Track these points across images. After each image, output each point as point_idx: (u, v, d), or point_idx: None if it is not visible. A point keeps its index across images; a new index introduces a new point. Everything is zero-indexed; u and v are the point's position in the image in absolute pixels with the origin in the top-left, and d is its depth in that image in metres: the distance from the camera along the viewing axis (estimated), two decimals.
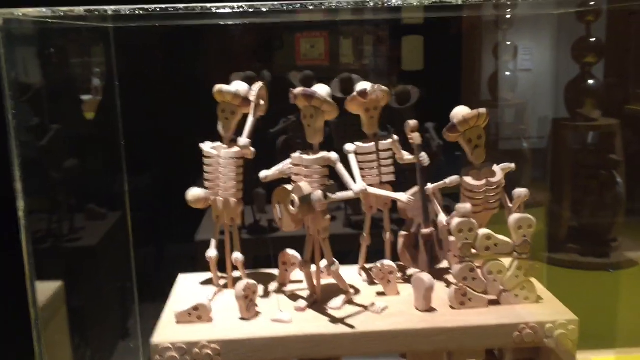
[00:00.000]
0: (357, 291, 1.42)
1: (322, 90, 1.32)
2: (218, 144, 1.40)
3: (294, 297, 1.40)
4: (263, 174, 1.36)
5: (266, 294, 1.43)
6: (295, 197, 1.25)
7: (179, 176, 1.78)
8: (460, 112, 1.38)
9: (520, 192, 1.33)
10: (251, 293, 1.30)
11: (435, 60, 2.38)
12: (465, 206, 1.31)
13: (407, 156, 1.46)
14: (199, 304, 1.28)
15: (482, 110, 1.37)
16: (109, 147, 1.84)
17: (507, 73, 3.07)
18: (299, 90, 1.30)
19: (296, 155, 1.34)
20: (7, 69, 1.27)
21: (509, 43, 3.02)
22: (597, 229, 2.99)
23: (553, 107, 3.14)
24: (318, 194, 1.23)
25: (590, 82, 2.98)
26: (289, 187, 1.29)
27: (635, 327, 2.19)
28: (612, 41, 2.90)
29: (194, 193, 1.39)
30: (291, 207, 1.27)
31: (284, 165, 1.36)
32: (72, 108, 1.92)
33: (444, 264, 1.49)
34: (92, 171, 1.94)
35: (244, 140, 1.34)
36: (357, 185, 1.29)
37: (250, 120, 1.35)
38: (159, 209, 2.00)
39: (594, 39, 2.88)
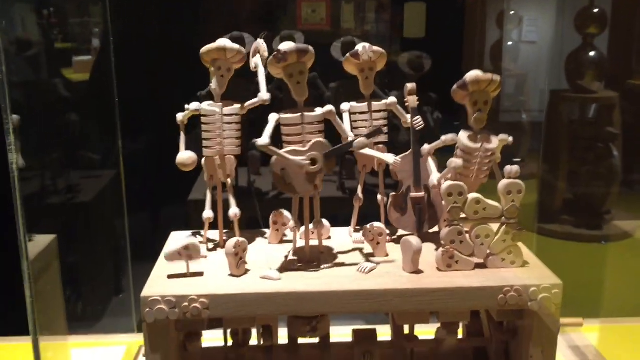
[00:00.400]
0: (346, 252, 1.44)
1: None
2: (211, 102, 1.40)
3: (283, 256, 1.42)
4: (263, 141, 1.26)
5: (257, 252, 1.45)
6: (319, 155, 1.26)
7: (173, 136, 1.78)
8: (475, 72, 1.38)
9: (512, 168, 1.32)
10: (241, 251, 1.31)
11: (437, 28, 2.36)
12: (456, 161, 1.32)
13: (410, 119, 1.47)
14: (190, 243, 1.30)
15: (497, 76, 1.37)
16: (104, 106, 1.84)
17: (510, 43, 3.05)
18: (291, 46, 1.29)
19: (287, 116, 1.33)
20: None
21: (512, 12, 2.99)
22: (591, 201, 3.01)
23: (554, 79, 3.13)
24: (362, 140, 1.27)
25: (592, 53, 2.96)
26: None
27: (624, 298, 2.22)
28: (618, 13, 2.87)
29: (183, 156, 1.39)
30: (311, 167, 1.27)
31: (272, 128, 1.34)
32: (66, 65, 1.92)
33: (435, 229, 1.50)
34: (87, 129, 1.95)
35: (266, 94, 1.35)
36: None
37: (262, 73, 1.37)
38: (153, 168, 2.01)
39: (597, 10, 2.86)
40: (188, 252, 1.30)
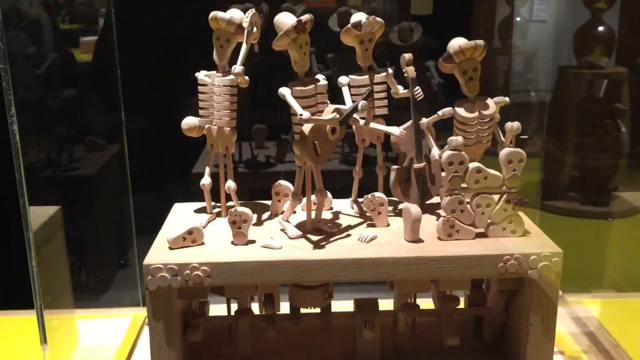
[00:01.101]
0: (348, 223, 1.45)
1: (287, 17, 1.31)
2: (213, 72, 1.40)
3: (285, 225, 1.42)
4: (306, 114, 1.23)
5: (259, 222, 1.45)
6: (337, 122, 1.26)
7: (177, 109, 1.78)
8: (457, 42, 1.36)
9: (512, 125, 1.32)
10: (241, 220, 1.32)
11: (445, 5, 2.33)
12: (457, 139, 1.31)
13: (401, 90, 1.46)
14: (193, 227, 1.31)
15: (480, 41, 1.35)
16: (107, 79, 1.84)
17: (518, 19, 3.01)
18: (307, 17, 1.28)
19: (303, 87, 1.31)
20: None
21: None
22: (598, 178, 2.99)
23: (564, 55, 3.09)
24: (363, 102, 1.28)
25: (600, 28, 2.92)
26: (323, 117, 1.28)
27: (629, 273, 2.21)
28: None
29: (187, 121, 1.40)
30: (332, 135, 1.28)
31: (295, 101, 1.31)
32: (69, 39, 1.92)
33: (436, 199, 1.50)
34: (90, 102, 1.95)
35: (238, 67, 1.34)
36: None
37: (243, 48, 1.35)
38: (157, 141, 2.01)
39: None
40: (192, 237, 1.31)
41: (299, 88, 1.30)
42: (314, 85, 1.32)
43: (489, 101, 1.39)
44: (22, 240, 1.37)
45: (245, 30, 1.34)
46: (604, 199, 2.89)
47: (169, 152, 1.97)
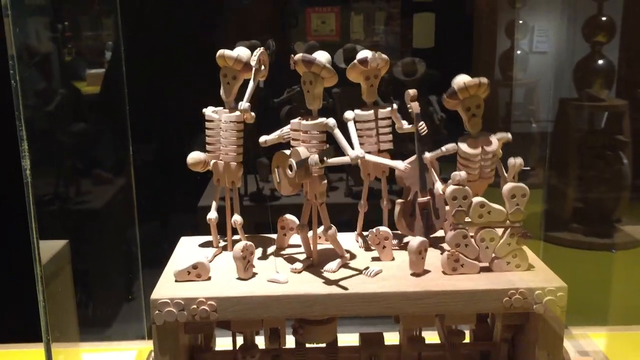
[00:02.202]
0: (352, 256, 1.45)
1: (321, 56, 1.34)
2: (220, 108, 1.43)
3: (291, 259, 1.44)
4: (262, 138, 1.40)
5: (264, 256, 1.47)
6: (293, 162, 1.28)
7: (183, 143, 1.81)
8: (461, 79, 1.39)
9: (515, 161, 1.34)
10: (249, 254, 1.33)
11: (447, 38, 2.38)
12: (460, 174, 1.33)
13: (406, 125, 1.48)
14: (198, 262, 1.32)
15: (484, 79, 1.37)
16: (115, 114, 1.88)
17: (519, 52, 3.05)
18: (299, 56, 1.32)
19: (295, 120, 1.37)
20: (13, 31, 1.30)
21: (521, 22, 3.00)
22: (602, 209, 3.00)
23: (564, 87, 3.13)
24: (314, 157, 1.25)
25: (600, 61, 2.96)
26: (287, 152, 1.32)
27: (635, 306, 2.21)
28: (628, 20, 2.87)
29: (193, 155, 1.42)
30: (289, 171, 1.29)
31: (283, 131, 1.39)
32: (78, 74, 1.96)
33: (440, 233, 1.51)
34: (98, 136, 1.98)
35: (244, 104, 1.37)
36: (354, 151, 1.29)
37: (250, 85, 1.38)
38: (164, 175, 2.04)
39: (605, 18, 2.87)
40: (197, 271, 1.32)
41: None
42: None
43: (492, 137, 1.41)
44: (29, 273, 1.39)
45: (253, 69, 1.37)
46: (608, 230, 2.90)
47: (176, 185, 1.99)
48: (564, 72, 3.09)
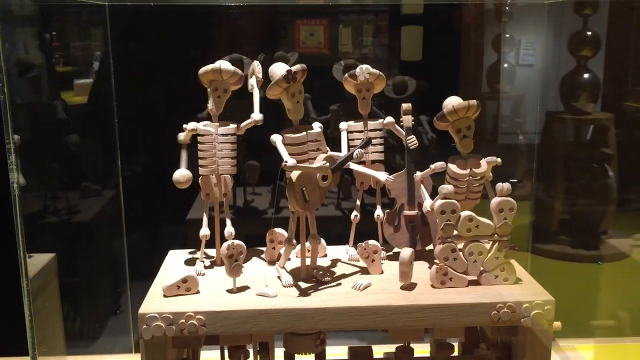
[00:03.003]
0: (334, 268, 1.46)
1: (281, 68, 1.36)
2: (207, 122, 1.43)
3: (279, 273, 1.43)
4: (291, 162, 1.27)
5: (253, 269, 1.46)
6: (328, 170, 1.30)
7: (172, 155, 1.80)
8: (451, 102, 1.41)
9: (503, 185, 1.34)
10: (237, 253, 1.31)
11: (434, 51, 2.40)
12: (447, 187, 1.34)
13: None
14: (188, 275, 1.32)
15: (473, 102, 1.39)
16: (103, 127, 1.87)
17: (506, 65, 3.08)
18: (299, 67, 1.33)
19: (294, 135, 1.35)
20: (2, 45, 1.30)
21: (508, 35, 3.03)
22: (588, 222, 3.02)
23: (550, 100, 3.16)
24: (359, 151, 1.32)
25: (586, 75, 3.00)
26: (314, 164, 1.32)
27: (620, 318, 2.22)
28: (612, 35, 2.91)
29: (183, 173, 1.42)
30: (322, 181, 1.30)
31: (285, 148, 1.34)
32: (66, 87, 1.95)
33: (429, 247, 1.52)
34: (86, 148, 1.97)
35: (258, 115, 1.40)
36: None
37: (257, 95, 1.42)
38: (152, 188, 2.03)
39: (590, 32, 2.90)
40: (186, 285, 1.32)
41: (289, 135, 1.34)
42: (305, 133, 1.35)
43: (482, 161, 1.43)
44: (14, 286, 1.37)
45: (255, 79, 1.43)
46: (594, 242, 2.92)
47: (164, 198, 1.99)
48: (550, 85, 3.12)
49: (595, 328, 2.19)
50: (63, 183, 1.91)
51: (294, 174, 1.28)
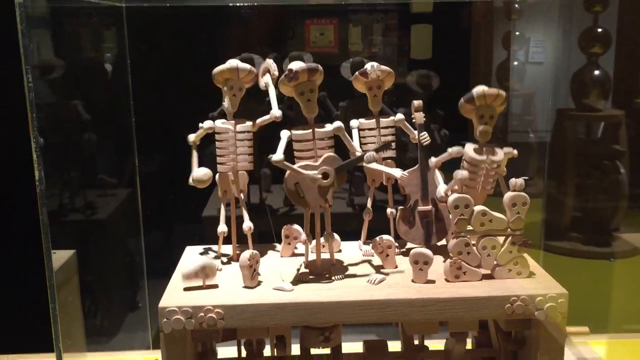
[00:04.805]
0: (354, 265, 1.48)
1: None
2: (223, 120, 1.46)
3: (296, 268, 1.46)
4: (277, 157, 1.31)
5: (270, 265, 1.49)
6: (331, 169, 1.32)
7: (187, 154, 1.83)
8: (481, 87, 1.43)
9: (516, 181, 1.36)
10: (255, 263, 1.35)
11: (444, 50, 2.41)
12: (462, 172, 1.36)
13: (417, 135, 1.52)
14: (206, 262, 1.34)
15: (502, 92, 1.42)
16: (121, 126, 1.90)
17: (515, 63, 3.09)
18: (302, 65, 1.35)
19: (300, 132, 1.38)
20: (25, 46, 1.33)
21: (517, 33, 3.04)
22: (600, 219, 3.03)
23: (561, 97, 3.16)
24: (372, 154, 1.33)
25: (596, 72, 3.00)
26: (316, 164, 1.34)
27: (632, 314, 2.23)
28: (623, 32, 2.91)
29: (205, 171, 1.44)
30: (323, 181, 1.33)
31: (285, 145, 1.38)
32: (85, 87, 1.99)
33: (443, 241, 1.54)
34: (104, 147, 2.01)
35: (278, 111, 1.43)
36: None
37: (273, 92, 1.45)
38: (168, 186, 2.06)
39: (600, 29, 2.91)
40: (205, 272, 1.34)
41: (295, 132, 1.37)
42: (311, 130, 1.37)
43: (498, 150, 1.44)
44: (34, 283, 1.40)
45: (270, 77, 1.45)
46: (606, 239, 2.93)
47: (180, 195, 2.02)
48: (561, 82, 3.13)
49: (608, 324, 2.20)
50: (82, 182, 1.94)
51: (287, 172, 1.32)
